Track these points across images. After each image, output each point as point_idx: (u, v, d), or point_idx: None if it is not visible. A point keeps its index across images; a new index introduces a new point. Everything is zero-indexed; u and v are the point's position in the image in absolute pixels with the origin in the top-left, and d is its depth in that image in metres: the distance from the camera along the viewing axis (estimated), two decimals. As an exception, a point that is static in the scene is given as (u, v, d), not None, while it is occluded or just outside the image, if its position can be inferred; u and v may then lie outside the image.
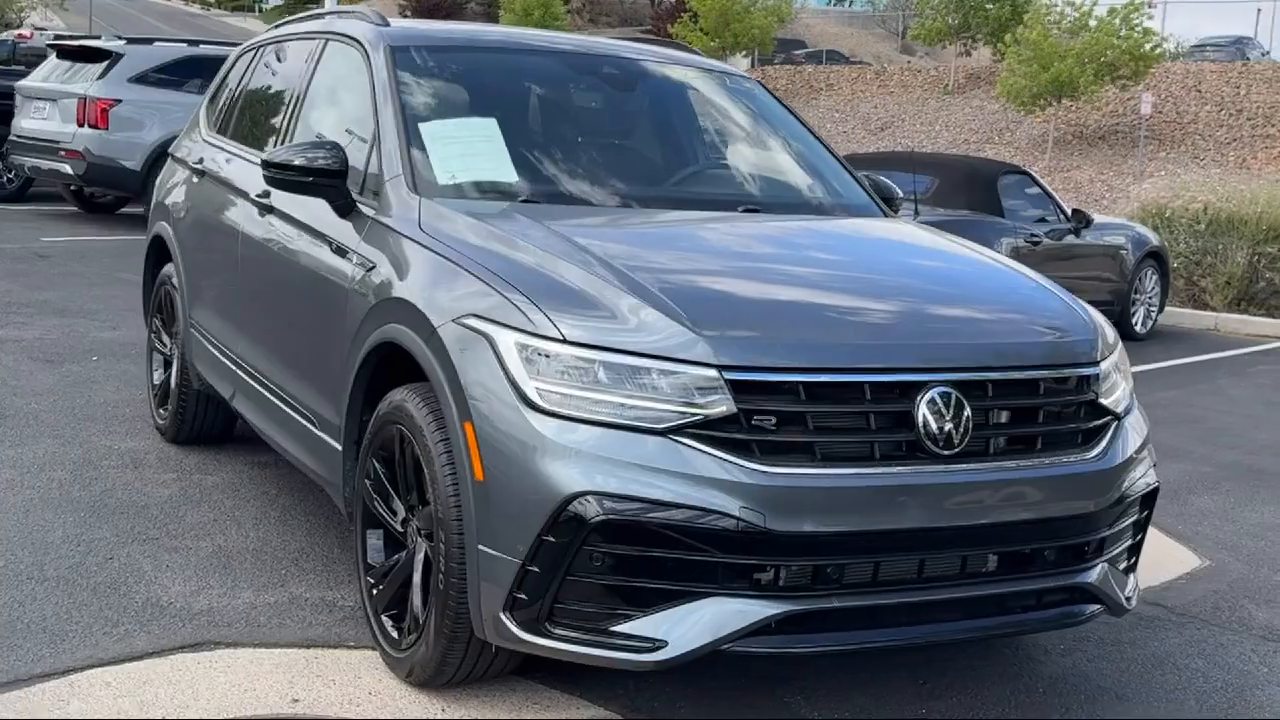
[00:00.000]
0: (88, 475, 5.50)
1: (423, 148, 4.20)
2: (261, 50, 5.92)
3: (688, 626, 3.13)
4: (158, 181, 6.51)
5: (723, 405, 3.16)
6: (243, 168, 5.22)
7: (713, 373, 3.17)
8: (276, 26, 6.12)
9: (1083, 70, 31.20)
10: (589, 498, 3.11)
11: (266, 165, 4.25)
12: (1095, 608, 3.58)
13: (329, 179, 4.15)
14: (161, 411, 6.12)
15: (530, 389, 3.22)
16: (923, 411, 3.28)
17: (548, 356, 3.24)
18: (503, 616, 3.25)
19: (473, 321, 3.40)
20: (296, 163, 4.15)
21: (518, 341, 3.28)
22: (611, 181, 4.45)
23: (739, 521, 3.09)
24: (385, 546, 3.88)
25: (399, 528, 3.77)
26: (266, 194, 4.80)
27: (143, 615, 4.09)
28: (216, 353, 5.28)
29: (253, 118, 5.60)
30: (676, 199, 4.63)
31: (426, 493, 3.60)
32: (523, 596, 3.21)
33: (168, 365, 6.18)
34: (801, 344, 3.31)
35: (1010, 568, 3.43)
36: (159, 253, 6.26)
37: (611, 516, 3.09)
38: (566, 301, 3.34)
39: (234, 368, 5.06)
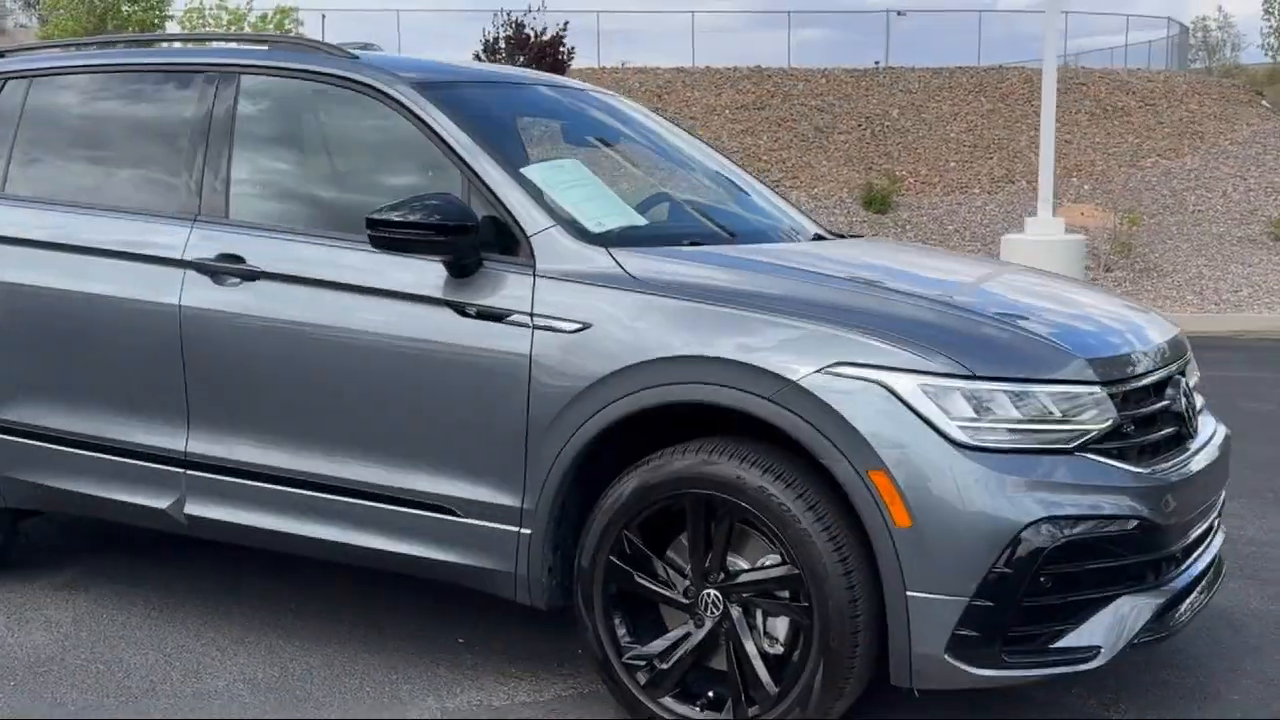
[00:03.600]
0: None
1: (544, 195, 3.85)
2: (30, 85, 4.74)
3: (1112, 629, 3.36)
4: None
5: (1109, 419, 3.40)
6: (141, 229, 4.23)
7: (1099, 390, 3.40)
8: (24, 49, 4.95)
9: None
10: (1042, 524, 3.23)
11: (374, 225, 3.65)
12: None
13: (465, 235, 3.68)
14: (-100, 543, 4.79)
15: (951, 428, 3.24)
16: (1181, 402, 3.73)
17: (957, 394, 3.27)
18: (946, 658, 3.25)
19: (849, 370, 3.30)
20: (419, 220, 3.60)
21: (920, 384, 3.27)
22: (708, 218, 4.32)
23: (1145, 522, 3.37)
24: (634, 624, 3.63)
25: (681, 599, 3.54)
26: (239, 259, 4.02)
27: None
28: (115, 457, 4.27)
29: (111, 174, 4.43)
30: (758, 231, 4.59)
31: (730, 559, 3.49)
32: (971, 633, 3.24)
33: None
34: (1121, 357, 3.61)
35: (1215, 536, 4.00)
36: None
37: (1070, 537, 3.24)
38: (944, 338, 3.37)
39: (185, 470, 4.16)
